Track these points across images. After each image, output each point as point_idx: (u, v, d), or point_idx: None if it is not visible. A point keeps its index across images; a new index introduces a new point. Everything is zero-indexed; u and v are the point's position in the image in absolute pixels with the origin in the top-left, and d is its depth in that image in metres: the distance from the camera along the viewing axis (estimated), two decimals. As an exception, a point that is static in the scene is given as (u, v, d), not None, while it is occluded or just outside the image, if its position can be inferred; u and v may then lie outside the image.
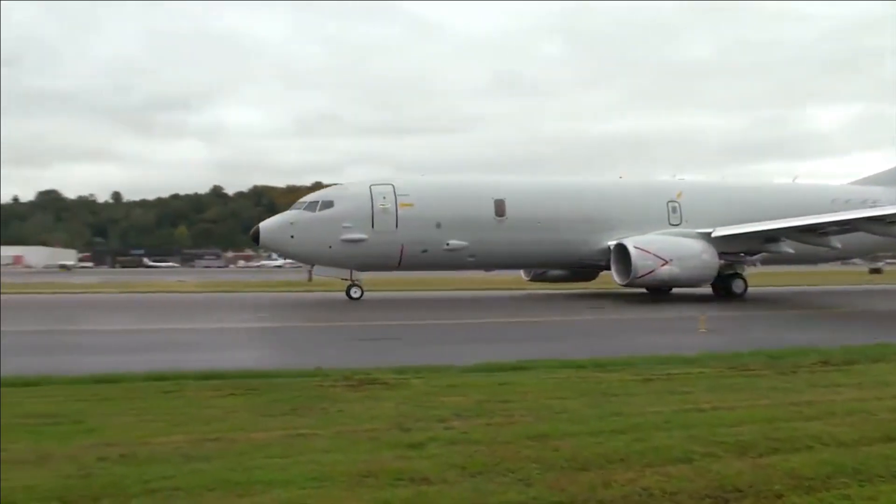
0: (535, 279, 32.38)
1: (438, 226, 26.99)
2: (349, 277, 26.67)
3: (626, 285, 26.80)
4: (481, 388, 8.69)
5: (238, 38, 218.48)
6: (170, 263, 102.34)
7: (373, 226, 26.26)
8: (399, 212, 26.56)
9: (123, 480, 5.19)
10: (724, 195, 31.75)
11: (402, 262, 27.58)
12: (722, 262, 27.22)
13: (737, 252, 28.30)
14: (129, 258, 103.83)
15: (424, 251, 27.27)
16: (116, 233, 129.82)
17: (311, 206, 26.67)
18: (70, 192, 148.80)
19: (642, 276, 25.79)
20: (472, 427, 6.80)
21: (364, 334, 16.26)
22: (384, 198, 26.75)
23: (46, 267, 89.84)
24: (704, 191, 32.03)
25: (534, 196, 28.79)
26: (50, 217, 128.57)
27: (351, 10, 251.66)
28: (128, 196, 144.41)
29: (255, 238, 27.32)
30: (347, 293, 26.37)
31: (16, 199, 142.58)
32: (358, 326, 17.95)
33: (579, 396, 8.30)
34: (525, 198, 28.56)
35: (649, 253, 25.82)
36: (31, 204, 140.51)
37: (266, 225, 27.14)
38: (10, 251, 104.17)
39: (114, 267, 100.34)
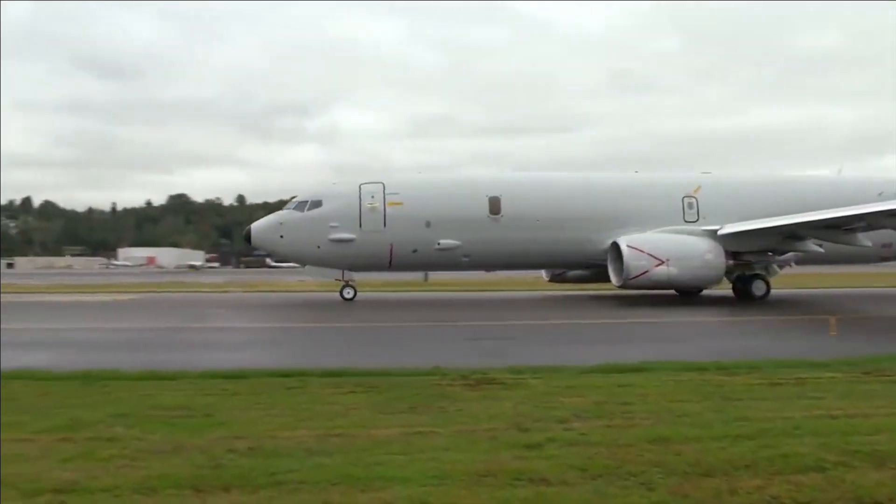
0: (553, 280, 30.57)
1: (428, 224, 26.09)
2: (341, 278, 26.43)
3: (620, 287, 24.91)
4: (600, 390, 8.56)
5: (354, 43, 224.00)
6: (290, 264, 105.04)
7: (360, 225, 25.76)
8: (387, 210, 25.94)
9: (251, 472, 5.38)
10: (750, 189, 29.01)
11: (392, 263, 26.84)
12: (731, 262, 24.98)
13: (753, 251, 25.75)
14: (252, 258, 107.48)
15: (415, 251, 26.46)
16: (241, 234, 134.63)
17: (301, 205, 26.40)
18: (198, 196, 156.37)
19: (635, 277, 23.91)
20: (592, 428, 6.70)
21: (476, 334, 16.27)
22: (372, 196, 26.20)
23: (177, 267, 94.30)
24: (728, 185, 29.19)
25: (532, 192, 27.27)
26: (180, 219, 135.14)
27: (463, 12, 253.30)
28: (251, 199, 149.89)
29: (248, 238, 27.39)
30: (341, 294, 26.32)
31: (148, 203, 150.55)
32: (469, 326, 17.98)
33: (702, 400, 8.05)
34: (522, 194, 27.14)
35: (643, 252, 24.01)
36: (162, 207, 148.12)
37: (257, 225, 27.15)
38: (143, 252, 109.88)
39: (238, 267, 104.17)
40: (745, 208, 26.57)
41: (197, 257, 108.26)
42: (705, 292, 27.39)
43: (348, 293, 26.30)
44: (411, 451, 5.94)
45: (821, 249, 25.85)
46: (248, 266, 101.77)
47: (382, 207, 25.89)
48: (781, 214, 25.46)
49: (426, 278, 39.08)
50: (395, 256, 26.33)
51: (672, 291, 26.53)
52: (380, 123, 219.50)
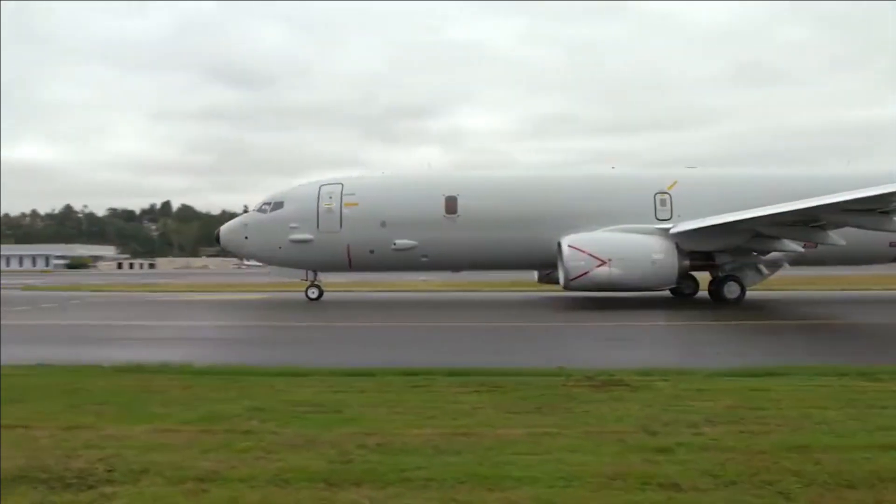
0: (541, 280, 28.96)
1: (383, 224, 26.08)
2: (305, 278, 26.90)
3: (564, 288, 23.62)
4: (732, 394, 8.26)
5: (474, 44, 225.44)
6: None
7: (318, 226, 26.10)
8: (343, 211, 26.17)
9: (380, 468, 5.48)
10: (733, 185, 26.64)
11: (352, 264, 26.95)
12: (686, 262, 23.42)
13: (714, 251, 24.10)
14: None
15: (372, 252, 26.42)
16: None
17: (265, 207, 26.99)
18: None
19: (575, 278, 22.66)
20: (724, 434, 6.48)
21: (604, 335, 16.01)
22: (330, 197, 26.46)
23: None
24: (709, 181, 27.00)
25: (490, 191, 26.47)
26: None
27: (583, 9, 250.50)
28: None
29: (217, 239, 28.09)
30: (306, 293, 26.82)
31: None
32: (596, 327, 17.70)
33: (842, 407, 7.62)
34: (480, 193, 26.48)
35: (584, 252, 22.63)
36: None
37: (225, 227, 27.94)
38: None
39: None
40: (726, 206, 24.35)
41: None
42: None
43: (313, 293, 26.94)
44: (538, 452, 5.91)
45: (800, 249, 24.01)
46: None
47: (339, 208, 26.24)
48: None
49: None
50: (352, 257, 26.53)
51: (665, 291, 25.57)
52: (501, 124, 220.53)
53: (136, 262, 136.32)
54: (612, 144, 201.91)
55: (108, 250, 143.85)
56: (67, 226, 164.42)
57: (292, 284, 33.25)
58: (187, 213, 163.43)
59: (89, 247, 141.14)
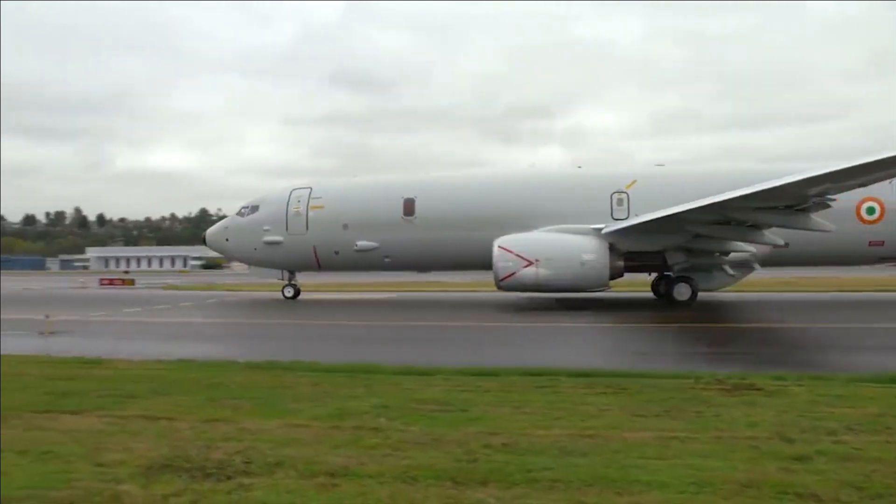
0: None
1: (345, 227, 27.23)
2: (281, 277, 28.74)
3: (498, 289, 23.38)
4: (876, 401, 7.80)
5: (595, 43, 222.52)
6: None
7: (287, 228, 27.70)
8: (309, 214, 27.58)
9: (507, 467, 5.48)
10: (694, 182, 25.07)
11: (320, 264, 28.46)
12: (620, 263, 23.07)
13: (653, 251, 23.45)
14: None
15: (336, 253, 27.65)
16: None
17: (243, 210, 28.88)
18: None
19: (504, 278, 22.58)
20: (868, 443, 6.14)
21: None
22: (298, 201, 27.96)
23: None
24: (670, 179, 25.89)
25: (446, 193, 26.56)
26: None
27: (705, 5, 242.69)
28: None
29: (204, 241, 30.35)
30: (282, 292, 28.64)
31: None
32: (726, 329, 17.12)
33: None
34: (436, 195, 26.84)
35: (511, 253, 22.51)
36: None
37: (210, 230, 30.38)
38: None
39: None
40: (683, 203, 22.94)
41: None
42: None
43: (288, 292, 28.65)
44: (667, 456, 5.77)
45: (752, 249, 23.41)
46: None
47: (305, 211, 27.71)
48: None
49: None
50: (319, 258, 27.98)
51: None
52: (622, 122, 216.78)
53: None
54: (734, 140, 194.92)
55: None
56: (203, 228, 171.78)
57: (413, 285, 33.72)
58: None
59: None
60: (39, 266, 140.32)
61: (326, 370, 10.22)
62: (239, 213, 29.24)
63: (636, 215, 24.09)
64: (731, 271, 24.64)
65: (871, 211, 24.62)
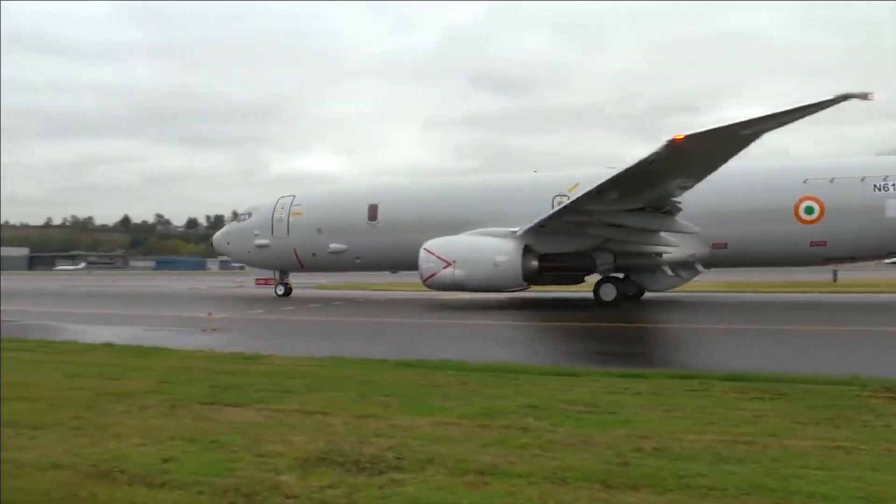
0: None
1: (319, 231, 30.21)
2: (274, 277, 32.79)
3: (426, 287, 25.26)
4: None
5: (742, 34, 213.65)
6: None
7: (272, 233, 31.23)
8: (290, 220, 30.91)
9: (659, 472, 5.35)
10: None
11: (302, 265, 31.69)
12: (534, 263, 24.06)
13: (574, 252, 24.44)
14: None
15: (314, 254, 30.75)
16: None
17: (242, 217, 32.98)
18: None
19: (426, 278, 24.47)
20: None
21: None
22: (282, 208, 31.36)
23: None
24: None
25: (403, 199, 28.33)
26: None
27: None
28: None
29: (212, 244, 34.50)
30: (274, 290, 32.53)
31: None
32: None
33: None
34: (395, 201, 29.01)
35: (433, 255, 24.28)
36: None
37: (216, 234, 34.65)
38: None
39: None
40: None
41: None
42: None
43: (279, 290, 32.37)
44: (832, 467, 5.47)
45: (668, 250, 24.08)
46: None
47: (287, 217, 31.05)
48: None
49: (835, 279, 36.18)
50: (301, 259, 31.33)
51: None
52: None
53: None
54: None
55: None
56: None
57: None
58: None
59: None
60: (201, 267, 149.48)
61: (473, 369, 10.30)
62: (238, 220, 33.22)
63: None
64: (669, 272, 25.54)
65: (809, 210, 24.54)
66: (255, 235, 31.76)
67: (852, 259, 27.86)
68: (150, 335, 16.32)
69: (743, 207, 24.92)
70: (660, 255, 24.68)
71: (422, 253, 24.51)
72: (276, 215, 31.51)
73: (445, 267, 24.07)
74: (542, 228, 23.83)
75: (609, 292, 24.37)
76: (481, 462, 5.67)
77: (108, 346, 13.62)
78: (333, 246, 30.06)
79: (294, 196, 31.93)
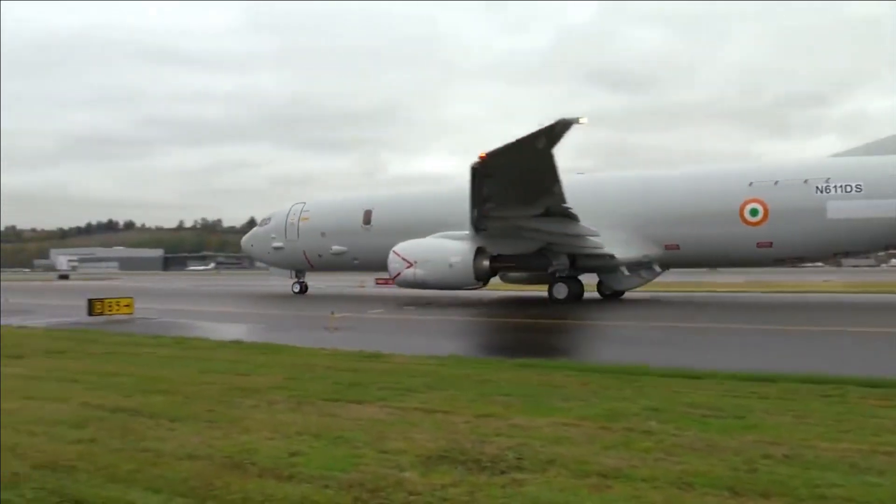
0: (503, 280, 31.56)
1: (323, 234, 33.74)
2: (291, 276, 36.31)
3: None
4: None
5: (874, 20, 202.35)
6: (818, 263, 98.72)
7: (285, 236, 34.89)
8: (300, 225, 34.47)
9: (790, 481, 5.13)
10: (598, 191, 28.43)
11: (311, 265, 35.36)
12: (486, 263, 26.31)
13: (524, 254, 26.84)
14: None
15: (320, 256, 34.24)
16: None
17: (263, 221, 36.82)
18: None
19: (393, 278, 27.12)
20: None
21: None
22: (294, 214, 34.90)
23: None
24: (575, 187, 26.05)
25: (392, 205, 30.50)
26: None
27: None
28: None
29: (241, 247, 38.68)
30: (291, 288, 35.93)
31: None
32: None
33: None
34: (386, 208, 31.55)
35: (399, 256, 26.59)
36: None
37: (244, 237, 38.41)
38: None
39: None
40: (587, 210, 25.85)
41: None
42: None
43: (295, 288, 35.92)
44: (984, 481, 5.11)
45: (599, 251, 25.87)
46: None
47: (297, 222, 34.61)
48: (631, 215, 26.91)
49: None
50: (309, 260, 34.97)
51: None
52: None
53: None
54: None
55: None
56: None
57: (671, 284, 32.78)
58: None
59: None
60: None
61: (593, 370, 10.19)
62: (260, 224, 36.94)
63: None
64: (626, 272, 27.28)
65: (754, 212, 25.58)
66: (272, 238, 35.61)
67: (800, 260, 29.21)
68: (276, 333, 16.90)
69: (692, 210, 26.44)
70: (612, 256, 26.35)
71: (390, 255, 27.00)
72: (289, 220, 35.10)
73: (408, 267, 26.46)
74: (491, 232, 26.12)
75: (561, 291, 26.62)
76: (604, 464, 5.59)
77: (238, 344, 14.20)
78: (335, 248, 33.48)
79: (304, 203, 35.53)
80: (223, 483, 5.31)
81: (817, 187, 24.83)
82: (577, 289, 27.40)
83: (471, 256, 25.79)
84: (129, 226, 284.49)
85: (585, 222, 25.65)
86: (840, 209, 24.37)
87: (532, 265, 27.95)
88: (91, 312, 21.29)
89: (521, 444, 6.20)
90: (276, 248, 35.44)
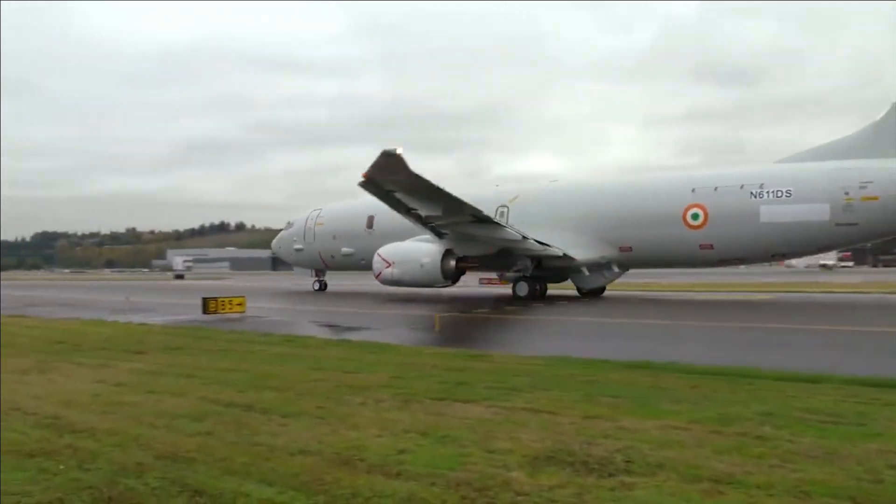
0: (500, 279, 35.63)
1: (334, 238, 36.93)
2: (312, 275, 40.46)
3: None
4: None
5: None
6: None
7: (304, 239, 38.52)
8: (316, 229, 37.88)
9: (919, 493, 4.88)
10: (560, 198, 31.86)
11: (327, 265, 38.89)
12: (452, 263, 28.61)
13: (480, 255, 29.29)
14: (893, 256, 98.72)
15: (332, 257, 37.58)
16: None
17: (287, 226, 40.45)
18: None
19: (377, 276, 29.66)
20: None
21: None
22: (311, 219, 38.33)
23: (807, 266, 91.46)
24: (542, 195, 32.51)
25: (391, 212, 29.37)
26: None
27: None
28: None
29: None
30: (313, 286, 40.00)
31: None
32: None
33: None
34: (386, 214, 30.96)
35: (381, 257, 29.26)
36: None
37: (273, 240, 42.29)
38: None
39: (875, 266, 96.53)
40: (550, 215, 30.25)
41: (829, 256, 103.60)
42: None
43: (315, 286, 39.96)
44: None
45: (558, 253, 28.36)
46: (886, 265, 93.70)
47: (314, 227, 38.01)
48: (589, 219, 29.62)
49: None
50: (324, 261, 38.37)
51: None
52: None
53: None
54: None
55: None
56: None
57: (791, 284, 31.66)
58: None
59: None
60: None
61: (703, 372, 9.94)
62: (286, 228, 40.50)
63: (512, 226, 29.15)
64: (587, 272, 29.97)
65: (695, 217, 27.63)
66: (294, 241, 39.40)
67: (741, 261, 31.10)
68: (381, 332, 17.16)
69: (642, 214, 28.79)
70: (572, 258, 28.94)
71: (375, 256, 29.76)
72: (307, 225, 38.62)
73: (387, 267, 29.17)
74: (454, 236, 28.56)
75: (522, 289, 29.51)
76: (715, 470, 5.45)
77: (346, 342, 14.50)
78: (345, 250, 36.54)
79: (320, 209, 38.96)
80: (333, 478, 5.43)
81: (752, 192, 26.71)
82: (539, 287, 30.01)
83: (439, 258, 28.47)
84: (240, 227, 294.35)
85: (549, 227, 29.65)
86: (772, 213, 26.19)
87: (496, 266, 31.74)
88: (206, 311, 22.11)
89: (629, 447, 6.11)
90: (297, 250, 39.44)
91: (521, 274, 29.77)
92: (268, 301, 31.29)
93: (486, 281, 45.63)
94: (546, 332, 18.09)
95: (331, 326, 19.06)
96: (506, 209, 31.80)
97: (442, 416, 7.46)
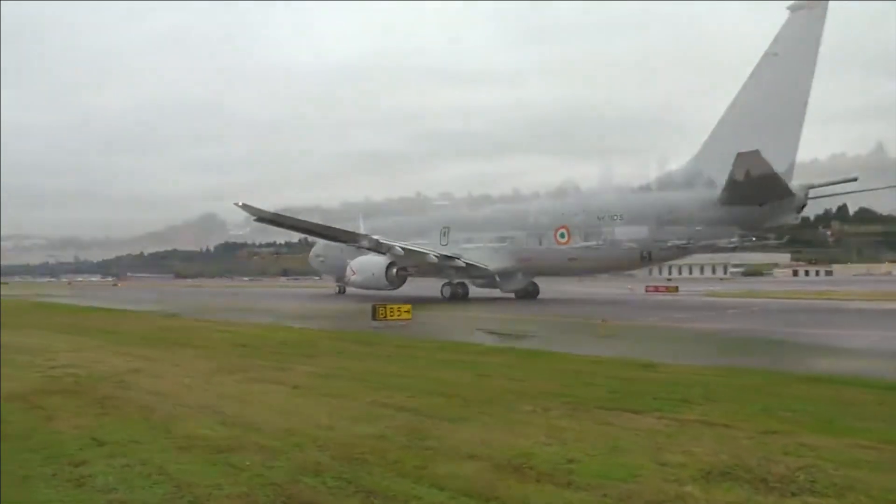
0: (477, 286, 42.42)
1: (342, 250, 43.28)
2: (335, 281, 51.23)
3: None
4: None
5: None
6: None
7: (323, 252, 49.51)
8: (329, 244, 45.44)
9: None
10: (485, 218, 42.40)
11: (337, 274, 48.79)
12: (394, 271, 38.37)
13: (413, 265, 39.02)
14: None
15: (339, 266, 44.67)
16: None
17: (313, 241, 49.86)
18: None
19: (346, 282, 41.91)
20: None
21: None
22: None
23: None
24: (471, 216, 43.67)
25: (381, 229, 38.89)
26: None
27: None
28: None
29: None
30: (334, 289, 52.65)
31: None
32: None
33: None
34: (381, 231, 38.45)
35: (350, 267, 39.91)
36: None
37: (311, 252, 53.36)
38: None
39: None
40: (473, 234, 41.11)
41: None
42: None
43: (335, 290, 51.78)
44: None
45: (480, 264, 38.62)
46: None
47: (329, 242, 44.83)
48: (498, 236, 39.92)
49: None
50: (335, 270, 47.68)
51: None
52: None
53: (812, 268, 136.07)
54: None
55: (784, 257, 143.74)
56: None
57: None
58: (866, 216, 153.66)
59: (765, 254, 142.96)
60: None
61: (891, 387, 9.27)
62: (313, 244, 51.27)
63: (449, 243, 41.06)
64: (498, 279, 39.24)
65: (562, 235, 36.96)
66: (318, 253, 50.79)
67: (596, 271, 42.02)
68: (543, 339, 17.08)
69: (530, 233, 38.21)
70: (486, 268, 38.55)
71: (347, 267, 39.97)
72: (324, 241, 46.19)
73: (352, 275, 39.43)
74: (392, 251, 37.06)
75: (446, 291, 40.04)
76: (902, 494, 5.08)
77: (511, 350, 14.54)
78: (348, 261, 41.34)
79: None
80: (504, 485, 5.47)
81: (598, 217, 35.87)
82: (461, 291, 40.34)
83: (384, 268, 38.00)
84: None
85: (481, 241, 40.09)
86: (611, 232, 35.01)
87: (430, 273, 40.70)
88: (375, 317, 22.80)
89: (811, 466, 5.81)
90: (322, 262, 50.90)
91: (449, 280, 39.81)
92: (432, 309, 31.88)
93: (651, 289, 45.08)
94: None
95: (491, 333, 19.16)
96: (447, 229, 42.25)
97: (611, 426, 7.36)
